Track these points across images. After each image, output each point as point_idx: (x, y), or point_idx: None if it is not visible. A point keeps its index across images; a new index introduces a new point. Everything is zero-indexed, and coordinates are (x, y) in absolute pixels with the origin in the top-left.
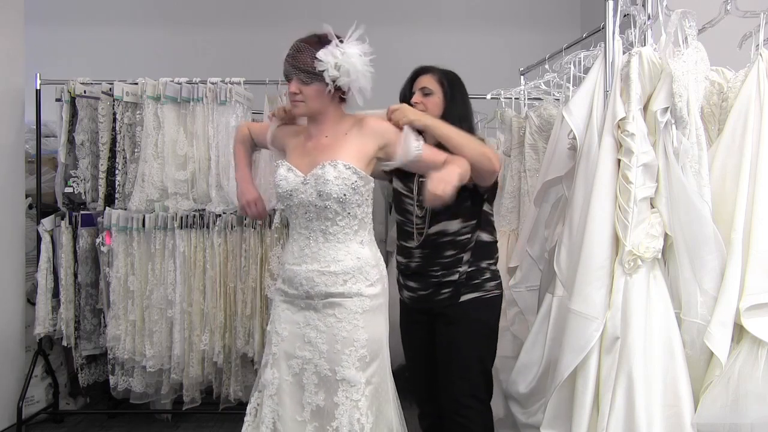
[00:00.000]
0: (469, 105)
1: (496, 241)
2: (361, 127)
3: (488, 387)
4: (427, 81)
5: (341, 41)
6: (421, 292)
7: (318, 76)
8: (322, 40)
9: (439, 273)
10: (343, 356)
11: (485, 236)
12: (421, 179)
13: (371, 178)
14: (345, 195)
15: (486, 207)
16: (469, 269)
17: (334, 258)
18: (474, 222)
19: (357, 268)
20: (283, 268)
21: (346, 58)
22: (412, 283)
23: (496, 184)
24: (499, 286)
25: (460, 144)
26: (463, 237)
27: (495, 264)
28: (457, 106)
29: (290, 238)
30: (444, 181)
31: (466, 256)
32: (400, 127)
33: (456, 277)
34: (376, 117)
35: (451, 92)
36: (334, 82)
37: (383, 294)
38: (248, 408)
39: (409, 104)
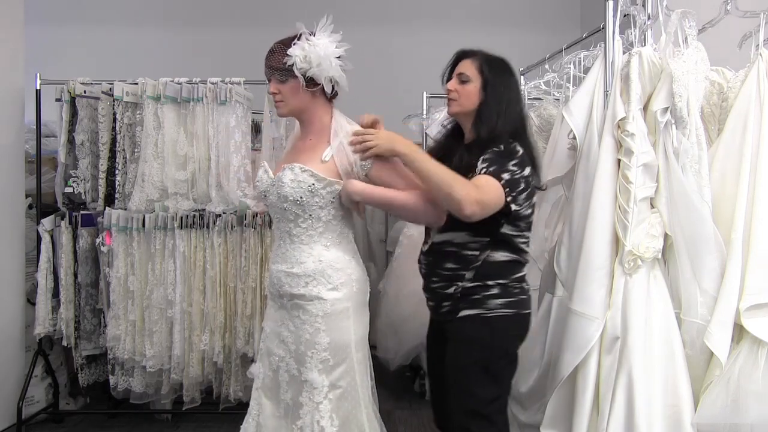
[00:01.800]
0: (514, 100)
1: (518, 261)
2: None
3: (478, 406)
4: (466, 67)
5: (312, 35)
6: (430, 303)
7: (291, 72)
8: (295, 39)
9: (439, 284)
10: (306, 357)
11: (499, 255)
12: None
13: (336, 180)
14: (302, 198)
15: (507, 229)
16: (470, 285)
17: (297, 260)
18: (486, 240)
19: (318, 271)
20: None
21: (313, 48)
22: (425, 293)
23: (510, 210)
24: (511, 305)
25: (428, 180)
26: (469, 252)
27: (513, 282)
28: (496, 100)
29: None
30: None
31: (468, 274)
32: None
33: (452, 290)
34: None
35: (491, 82)
36: (304, 75)
37: (350, 298)
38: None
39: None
